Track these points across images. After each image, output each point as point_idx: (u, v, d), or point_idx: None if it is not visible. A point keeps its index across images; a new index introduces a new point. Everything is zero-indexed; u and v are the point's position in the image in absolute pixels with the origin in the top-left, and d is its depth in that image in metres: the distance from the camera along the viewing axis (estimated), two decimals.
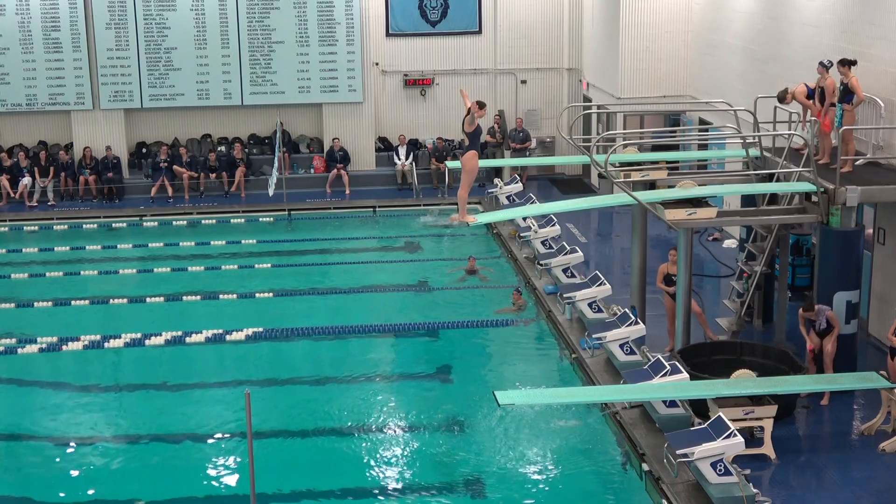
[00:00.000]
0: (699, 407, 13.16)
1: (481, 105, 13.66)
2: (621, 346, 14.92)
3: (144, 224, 25.53)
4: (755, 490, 11.38)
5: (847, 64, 15.07)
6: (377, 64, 28.70)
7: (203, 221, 25.58)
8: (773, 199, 15.93)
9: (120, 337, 17.88)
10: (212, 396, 15.87)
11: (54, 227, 25.57)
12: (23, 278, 21.54)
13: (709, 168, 20.02)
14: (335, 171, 27.56)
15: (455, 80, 28.51)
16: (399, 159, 28.08)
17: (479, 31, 28.98)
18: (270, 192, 25.33)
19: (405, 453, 13.96)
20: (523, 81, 29.36)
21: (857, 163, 15.51)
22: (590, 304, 16.56)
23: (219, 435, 14.44)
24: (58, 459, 13.95)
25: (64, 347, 17.54)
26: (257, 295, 20.15)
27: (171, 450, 14.13)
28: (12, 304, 19.82)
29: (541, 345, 17.73)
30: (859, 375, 13.85)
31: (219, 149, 28.14)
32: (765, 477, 12.34)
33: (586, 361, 15.70)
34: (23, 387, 16.43)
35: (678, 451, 11.52)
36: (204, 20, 27.48)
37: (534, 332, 18.17)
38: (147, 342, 17.76)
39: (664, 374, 13.07)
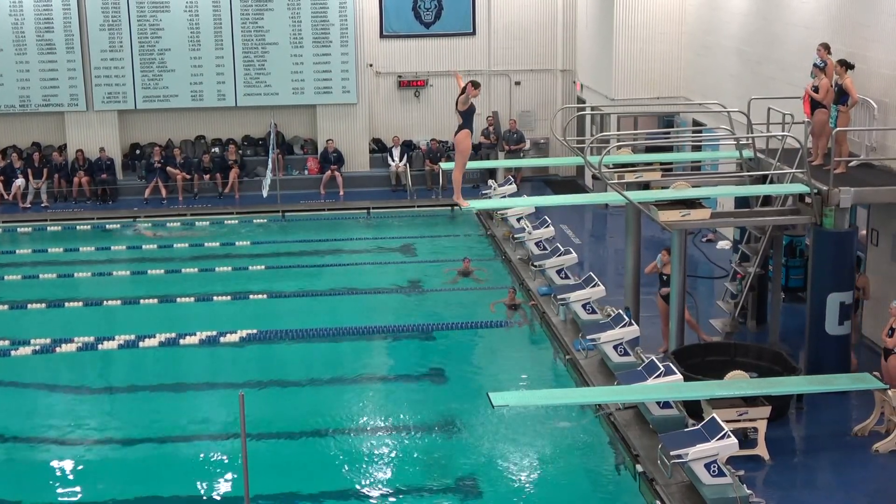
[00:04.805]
0: (693, 408, 13.17)
1: (476, 85, 13.51)
2: (615, 348, 14.92)
3: (138, 225, 25.49)
4: (749, 491, 11.39)
5: (845, 65, 15.10)
6: (371, 65, 28.71)
7: (197, 223, 25.55)
8: (767, 200, 15.95)
9: (114, 338, 17.84)
10: (206, 398, 15.86)
11: (48, 228, 25.53)
12: (16, 280, 21.51)
13: (703, 169, 20.04)
14: (329, 172, 27.56)
15: (449, 82, 28.50)
16: (393, 161, 28.08)
17: (473, 33, 29.00)
18: (264, 193, 25.33)
19: (399, 455, 13.95)
20: (517, 83, 29.39)
21: (851, 164, 15.54)
22: (584, 306, 16.56)
23: (213, 437, 14.41)
24: (51, 461, 13.92)
25: (58, 349, 17.50)
26: (251, 296, 20.13)
27: (165, 451, 14.11)
28: (6, 306, 19.79)
29: (535, 346, 17.74)
30: (853, 376, 13.87)
31: (213, 150, 28.13)
32: (759, 478, 12.35)
33: (580, 363, 15.70)
34: (16, 388, 16.39)
35: (672, 452, 11.53)
36: (198, 21, 27.46)
37: (528, 334, 18.18)
38: (141, 344, 17.73)
39: (658, 376, 13.08)
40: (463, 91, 13.50)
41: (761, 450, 12.71)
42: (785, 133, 15.68)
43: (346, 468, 13.55)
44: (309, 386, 16.25)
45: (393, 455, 13.94)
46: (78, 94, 27.58)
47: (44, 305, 19.69)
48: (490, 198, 23.10)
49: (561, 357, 16.68)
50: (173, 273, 21.58)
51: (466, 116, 13.70)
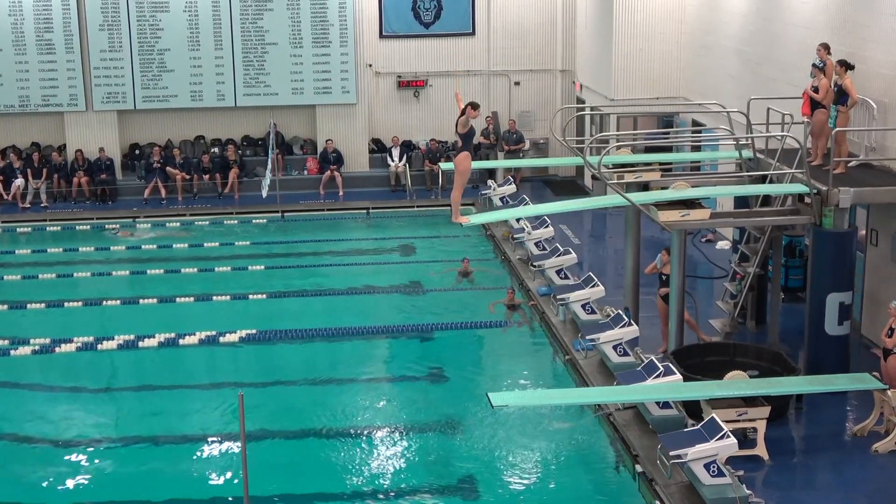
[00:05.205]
0: (692, 408, 13.17)
1: (475, 106, 13.62)
2: (615, 348, 14.91)
3: (137, 225, 25.48)
4: (748, 491, 11.39)
5: (845, 66, 15.10)
6: (371, 65, 28.71)
7: (196, 223, 25.55)
8: (767, 200, 15.95)
9: (113, 339, 17.85)
10: (205, 398, 15.84)
11: (47, 228, 25.53)
12: (16, 280, 21.51)
13: (702, 170, 20.06)
14: (329, 172, 27.56)
15: (449, 82, 28.53)
16: (392, 161, 28.08)
17: (473, 33, 29.00)
18: (264, 193, 25.34)
19: (399, 455, 13.95)
20: (517, 83, 29.39)
21: (850, 164, 15.55)
22: (583, 306, 16.55)
23: (212, 437, 14.41)
24: (51, 461, 13.91)
25: (57, 349, 17.50)
26: (251, 296, 20.13)
27: (164, 452, 14.10)
28: (5, 306, 19.79)
29: (534, 346, 17.74)
30: (852, 377, 13.87)
31: (212, 150, 28.13)
32: (758, 478, 12.35)
33: (580, 363, 15.70)
34: (15, 389, 16.40)
35: (671, 453, 11.52)
36: (197, 21, 27.46)
37: (527, 334, 18.17)
38: (140, 344, 17.73)
39: (657, 376, 13.07)
40: (462, 113, 13.56)
41: (761, 450, 12.71)
42: (784, 133, 15.67)
43: (346, 468, 13.55)
44: (308, 386, 16.25)
45: (393, 455, 13.94)
46: (77, 95, 27.58)
47: (43, 305, 19.69)
48: (489, 197, 23.12)
49: (560, 357, 16.68)
50: (173, 273, 21.58)
51: (466, 139, 13.79)
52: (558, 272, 18.38)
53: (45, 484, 13.32)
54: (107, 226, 25.35)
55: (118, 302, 19.94)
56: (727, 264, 18.76)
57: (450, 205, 14.64)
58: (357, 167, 28.42)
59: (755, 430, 12.72)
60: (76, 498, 13.04)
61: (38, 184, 26.97)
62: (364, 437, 14.44)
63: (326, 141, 27.95)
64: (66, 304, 19.75)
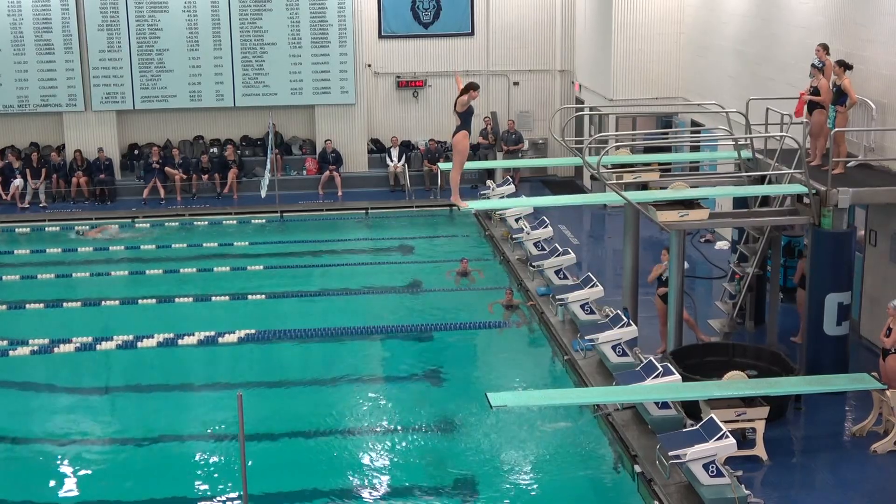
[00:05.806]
0: (691, 408, 13.18)
1: (475, 87, 13.55)
2: (613, 348, 14.92)
3: (137, 225, 25.48)
4: (747, 491, 11.39)
5: (843, 66, 15.11)
6: (369, 65, 28.71)
7: (195, 223, 25.55)
8: (765, 200, 15.95)
9: (112, 339, 17.83)
10: (204, 398, 15.86)
11: (46, 228, 25.52)
12: (14, 280, 21.49)
13: (701, 170, 20.06)
14: (327, 172, 27.56)
15: (448, 82, 28.53)
16: (391, 161, 28.09)
17: (472, 33, 29.02)
18: (263, 193, 25.34)
19: (397, 455, 13.95)
20: (515, 83, 29.40)
21: (849, 164, 15.55)
22: (582, 306, 16.56)
23: (211, 437, 14.41)
24: (51, 461, 13.91)
25: (56, 349, 17.49)
26: (250, 297, 20.13)
27: (162, 452, 14.10)
28: (4, 306, 19.78)
29: (533, 346, 17.74)
30: (851, 377, 13.87)
31: (211, 150, 28.13)
32: (757, 478, 12.36)
33: (579, 363, 15.71)
34: (15, 389, 16.39)
35: (670, 453, 11.52)
36: (196, 22, 27.46)
37: (526, 334, 18.17)
38: (139, 344, 17.72)
39: (656, 376, 13.08)
40: (463, 92, 13.48)
41: (759, 450, 12.72)
42: (783, 133, 15.68)
43: (345, 468, 13.55)
44: (307, 386, 16.25)
45: (391, 455, 13.93)
46: (76, 95, 27.58)
47: (42, 306, 19.68)
48: (488, 198, 23.10)
49: (559, 357, 16.68)
50: (172, 273, 21.57)
51: (465, 117, 13.68)
52: (557, 272, 18.38)
53: (44, 484, 13.31)
54: (76, 227, 25.28)
55: (117, 302, 19.93)
56: (726, 264, 18.76)
57: (449, 205, 14.61)
58: (356, 167, 28.43)
59: (754, 430, 12.73)
60: (76, 498, 13.04)
61: (36, 184, 26.97)
62: (363, 438, 14.44)
63: (325, 141, 27.96)
64: (64, 304, 19.74)
